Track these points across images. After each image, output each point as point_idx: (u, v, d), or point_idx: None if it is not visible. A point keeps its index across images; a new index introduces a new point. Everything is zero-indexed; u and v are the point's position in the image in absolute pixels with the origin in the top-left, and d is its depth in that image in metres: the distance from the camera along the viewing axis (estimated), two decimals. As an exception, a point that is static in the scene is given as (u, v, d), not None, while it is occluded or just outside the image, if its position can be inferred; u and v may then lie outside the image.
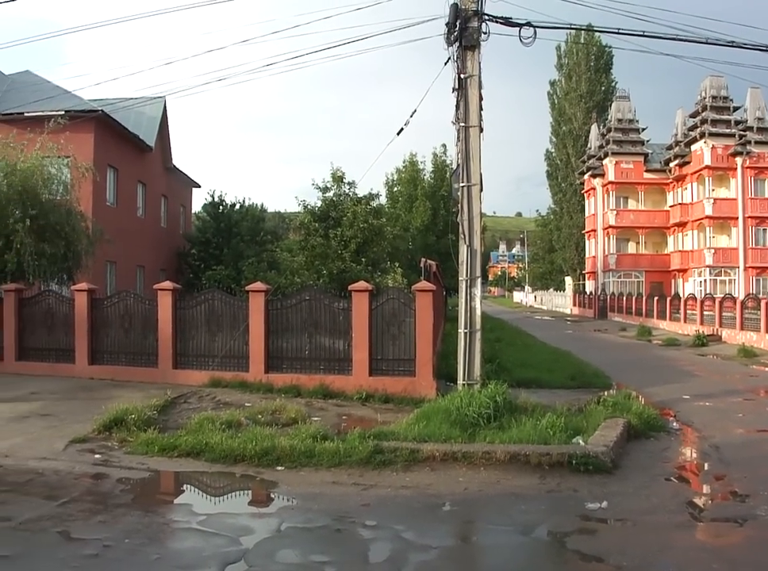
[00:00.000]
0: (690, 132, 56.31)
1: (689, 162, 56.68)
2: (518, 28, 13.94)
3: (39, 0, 34.55)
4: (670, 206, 61.03)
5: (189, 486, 10.74)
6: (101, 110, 28.84)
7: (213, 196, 43.76)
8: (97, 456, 11.39)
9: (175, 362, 18.30)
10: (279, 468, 10.69)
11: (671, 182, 60.48)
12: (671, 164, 59.71)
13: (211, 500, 10.03)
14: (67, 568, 7.05)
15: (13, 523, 8.25)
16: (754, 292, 47.31)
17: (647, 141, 63.10)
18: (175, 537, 8.20)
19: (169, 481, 10.97)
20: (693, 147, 55.76)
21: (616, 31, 14.63)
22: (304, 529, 8.38)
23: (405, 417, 13.22)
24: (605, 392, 15.83)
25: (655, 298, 47.21)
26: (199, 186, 47.49)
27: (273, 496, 9.87)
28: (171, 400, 15.36)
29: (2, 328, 20.26)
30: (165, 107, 38.20)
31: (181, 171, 43.01)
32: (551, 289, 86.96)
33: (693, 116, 56.98)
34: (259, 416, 13.46)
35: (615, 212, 62.33)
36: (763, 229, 53.91)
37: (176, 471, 10.91)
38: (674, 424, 14.33)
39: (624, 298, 54.76)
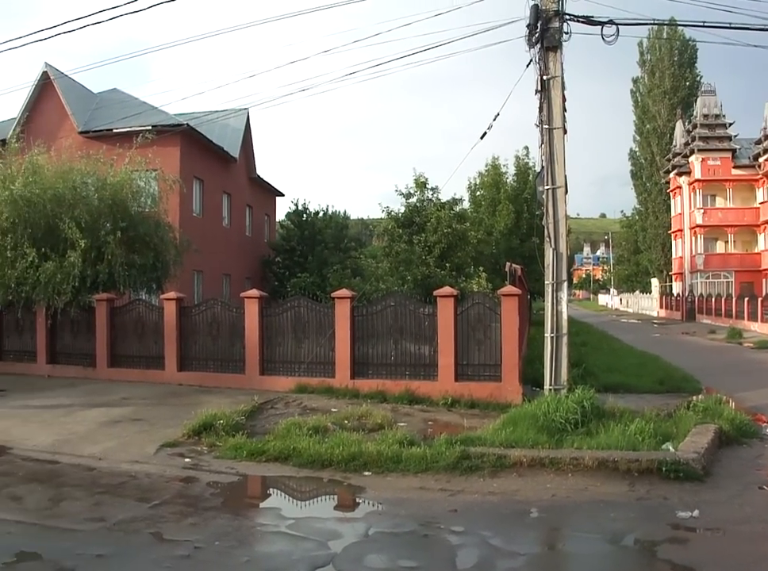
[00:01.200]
0: (780, 125, 54.38)
1: (779, 157, 54.70)
2: (600, 27, 13.69)
3: (126, 20, 35.47)
4: (760, 203, 58.77)
5: (277, 490, 10.79)
6: (187, 124, 29.47)
7: (296, 204, 44.38)
8: (187, 460, 11.59)
9: (262, 368, 18.51)
10: (366, 473, 10.67)
11: (761, 178, 58.17)
12: (760, 159, 57.45)
13: (299, 504, 10.07)
14: (160, 568, 7.15)
15: (107, 524, 8.43)
16: None
17: (735, 136, 60.89)
18: (264, 540, 8.22)
19: (257, 485, 11.04)
20: (784, 141, 53.78)
21: (701, 24, 14.20)
22: (391, 534, 8.33)
23: (491, 422, 13.05)
24: (695, 397, 15.29)
25: (746, 299, 45.67)
26: (283, 195, 48.05)
27: (360, 500, 9.85)
28: (259, 405, 15.54)
29: (95, 336, 20.84)
30: (248, 118, 38.86)
31: (265, 181, 43.60)
32: (637, 292, 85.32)
33: (782, 108, 55.02)
34: (346, 422, 13.49)
35: (702, 210, 60.63)
36: None
37: (264, 475, 10.98)
38: None
39: (713, 299, 53.23)
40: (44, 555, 7.52)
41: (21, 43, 15.56)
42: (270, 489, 10.89)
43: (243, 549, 7.81)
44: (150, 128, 25.42)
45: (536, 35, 13.80)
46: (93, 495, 9.74)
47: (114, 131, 28.17)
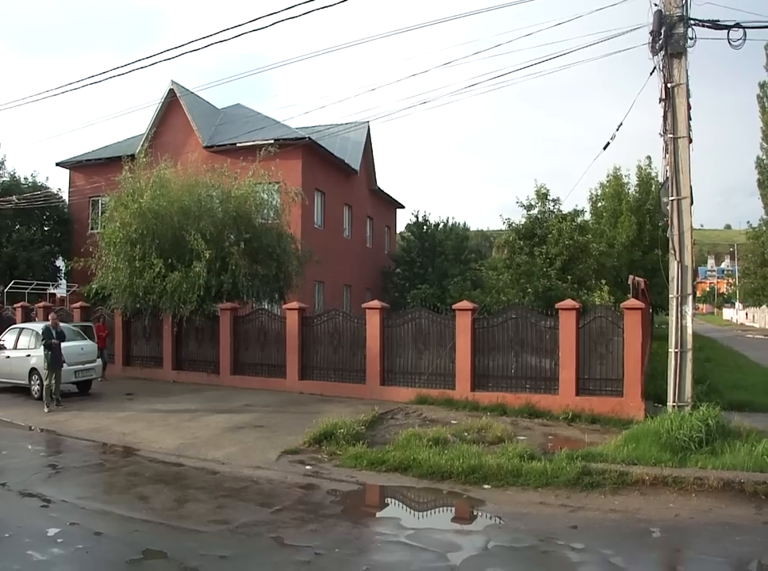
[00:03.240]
0: None
1: None
2: (726, 31, 13.14)
3: (249, 37, 36.41)
4: None
5: (396, 500, 10.74)
6: (309, 137, 29.97)
7: (416, 216, 44.59)
8: (307, 467, 11.70)
9: (383, 378, 18.60)
10: (486, 486, 10.54)
11: None
12: None
13: (418, 514, 9.98)
14: (281, 572, 7.19)
15: (230, 526, 8.59)
16: None
17: None
18: (384, 549, 8.19)
19: (377, 495, 11.04)
20: None
21: (833, 24, 13.47)
22: (510, 548, 8.20)
23: (612, 438, 12.71)
24: (826, 418, 14.49)
25: None
26: (403, 207, 48.41)
27: (479, 513, 9.72)
28: (379, 415, 15.59)
29: (219, 344, 21.37)
30: (369, 131, 39.27)
31: (385, 193, 44.03)
32: (764, 306, 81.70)
33: None
34: (465, 434, 13.38)
35: (835, 220, 57.56)
36: None
37: (384, 485, 10.98)
38: None
39: None
40: (169, 554, 7.70)
41: (150, 62, 16.06)
42: (390, 499, 10.86)
43: (363, 557, 7.81)
44: (272, 141, 25.95)
45: (660, 41, 13.35)
46: (216, 498, 9.95)
47: (238, 145, 28.99)
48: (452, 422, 14.99)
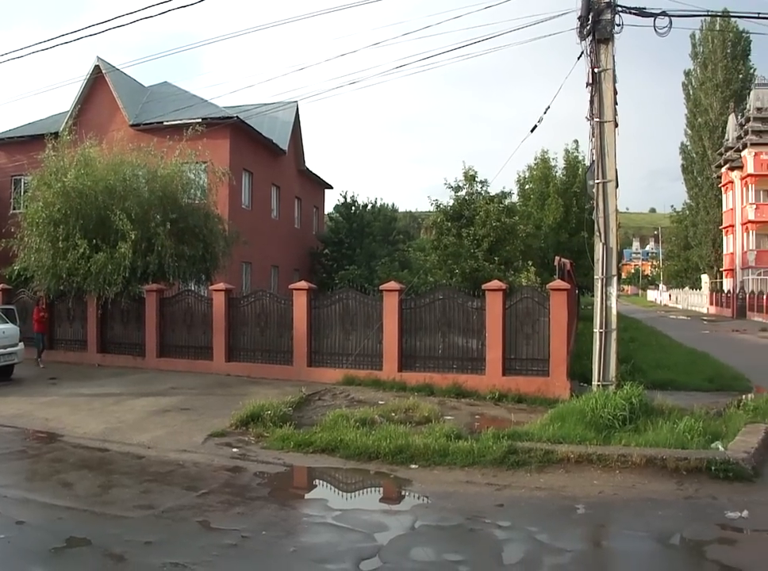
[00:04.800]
0: (836, 118, 53.12)
1: (834, 151, 53.37)
2: (653, 18, 13.42)
3: (177, 14, 35.81)
4: (815, 199, 57.65)
5: (323, 482, 10.79)
6: (237, 117, 29.66)
7: (345, 197, 44.62)
8: (234, 450, 11.66)
9: (310, 359, 18.57)
10: (413, 466, 10.63)
11: (816, 173, 57.11)
12: (816, 153, 56.42)
13: (345, 495, 10.08)
14: (208, 556, 7.17)
15: (156, 511, 8.53)
16: None
17: (790, 130, 59.76)
18: (311, 531, 8.23)
19: (304, 476, 11.08)
20: (840, 134, 52.49)
21: (756, 15, 13.84)
22: (437, 527, 8.30)
23: (538, 417, 12.94)
24: (745, 396, 14.95)
25: (799, 297, 44.75)
26: (331, 188, 48.25)
27: (406, 493, 9.82)
28: (306, 397, 15.58)
29: (144, 326, 21.09)
30: (298, 111, 38.97)
31: (313, 173, 43.81)
32: (687, 288, 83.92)
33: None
34: (393, 414, 13.46)
35: (755, 206, 59.48)
36: None
37: (311, 466, 11.01)
38: (820, 431, 13.38)
39: (765, 297, 52.11)
40: (93, 541, 7.60)
41: (74, 37, 15.70)
42: (317, 480, 10.90)
43: (290, 539, 7.84)
44: (200, 120, 25.64)
45: (588, 27, 13.59)
46: (141, 482, 9.86)
47: (165, 124, 28.41)
48: (380, 402, 15.07)
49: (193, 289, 22.45)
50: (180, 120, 27.05)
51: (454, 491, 9.56)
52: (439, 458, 10.74)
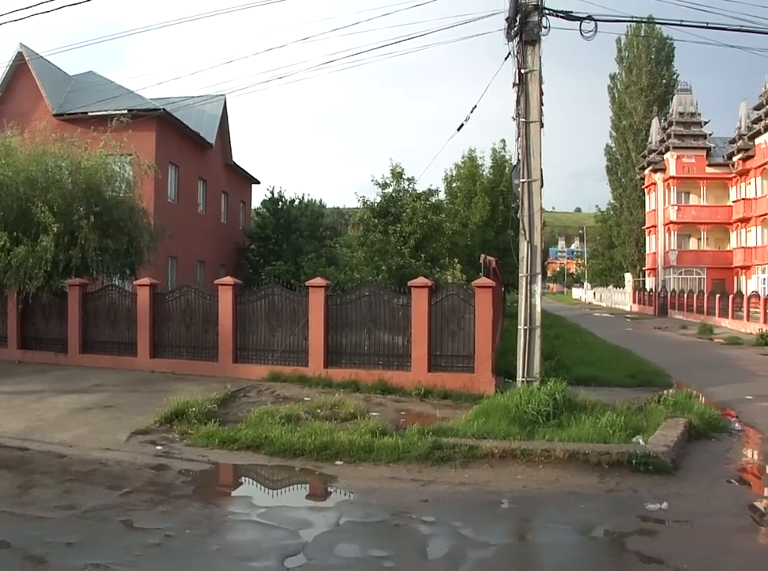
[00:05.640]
0: (754, 125, 54.86)
1: (753, 156, 55.14)
2: (579, 22, 13.74)
3: (103, 3, 35.18)
4: (733, 201, 59.52)
5: (248, 479, 10.80)
6: (163, 109, 29.32)
7: (272, 192, 44.32)
8: (158, 448, 11.55)
9: (235, 356, 18.46)
10: (338, 462, 10.69)
11: (734, 177, 58.91)
12: (734, 158, 58.21)
13: (270, 493, 10.08)
14: (131, 556, 7.11)
15: (77, 511, 8.40)
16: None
17: (710, 135, 61.77)
18: (235, 528, 8.23)
19: (229, 474, 11.04)
20: (758, 141, 54.26)
21: (679, 23, 14.27)
22: (362, 523, 8.38)
23: (463, 413, 13.09)
24: (666, 392, 15.46)
25: (717, 296, 46.34)
26: (259, 183, 47.94)
27: (332, 490, 9.87)
28: (231, 393, 15.51)
29: (67, 322, 20.67)
30: (225, 105, 38.71)
31: (241, 168, 43.51)
32: (611, 286, 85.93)
33: (757, 108, 55.42)
34: (318, 411, 13.51)
35: (676, 207, 61.31)
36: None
37: (236, 464, 10.99)
38: (736, 425, 13.81)
39: (685, 296, 53.69)
40: (12, 543, 7.45)
41: (-3, 22, 15.32)
42: (242, 478, 10.90)
43: (214, 537, 7.81)
44: (125, 112, 25.17)
45: (515, 28, 13.83)
46: (63, 482, 9.69)
47: (89, 114, 27.93)
48: (305, 399, 15.07)
49: (117, 283, 22.03)
50: (105, 110, 26.58)
51: (379, 487, 9.65)
52: (364, 455, 10.80)
